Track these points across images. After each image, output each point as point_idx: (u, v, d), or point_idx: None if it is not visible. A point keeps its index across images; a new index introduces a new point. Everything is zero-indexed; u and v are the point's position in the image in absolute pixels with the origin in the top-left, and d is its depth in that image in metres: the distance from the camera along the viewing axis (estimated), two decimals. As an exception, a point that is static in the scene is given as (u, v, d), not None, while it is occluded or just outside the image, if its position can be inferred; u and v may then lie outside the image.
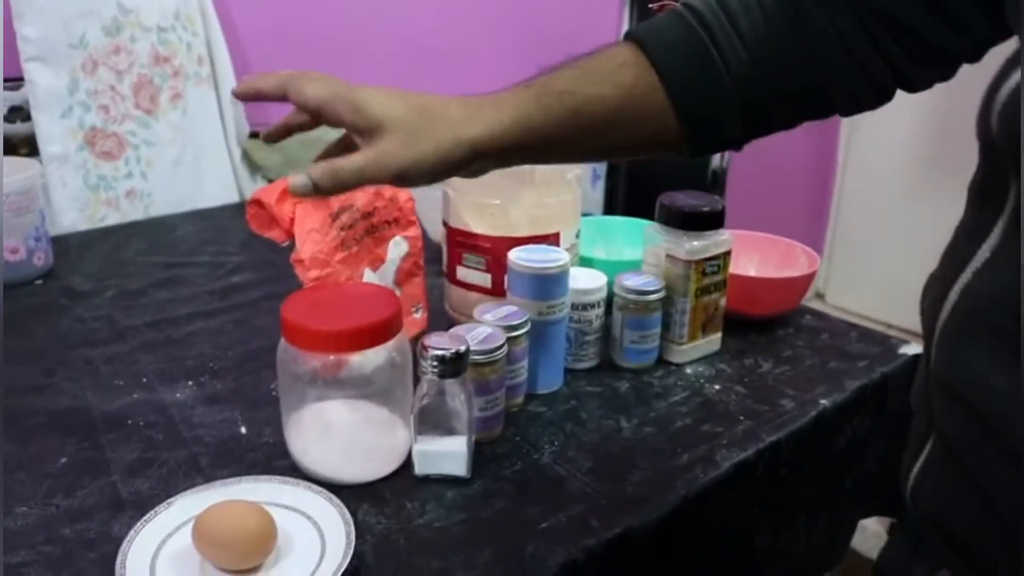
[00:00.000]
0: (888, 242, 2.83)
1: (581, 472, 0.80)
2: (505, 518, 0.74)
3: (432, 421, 0.76)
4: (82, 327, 1.10)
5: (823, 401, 0.94)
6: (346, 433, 0.78)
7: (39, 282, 1.24)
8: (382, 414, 0.78)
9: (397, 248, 0.95)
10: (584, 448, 0.84)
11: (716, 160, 2.15)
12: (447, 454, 0.77)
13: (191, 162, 1.65)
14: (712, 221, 0.98)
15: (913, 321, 1.08)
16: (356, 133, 0.66)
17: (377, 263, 0.92)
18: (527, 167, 0.95)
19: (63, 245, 1.36)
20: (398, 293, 0.97)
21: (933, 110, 2.55)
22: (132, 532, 0.68)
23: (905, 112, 2.54)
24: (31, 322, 1.12)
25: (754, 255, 1.18)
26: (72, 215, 1.51)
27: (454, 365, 0.74)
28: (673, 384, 0.97)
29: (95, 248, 1.39)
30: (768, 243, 1.19)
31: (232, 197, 1.70)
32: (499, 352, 0.81)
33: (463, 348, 0.74)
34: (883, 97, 0.70)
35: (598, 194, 2.16)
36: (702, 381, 0.98)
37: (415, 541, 0.71)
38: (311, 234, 0.84)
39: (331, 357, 0.74)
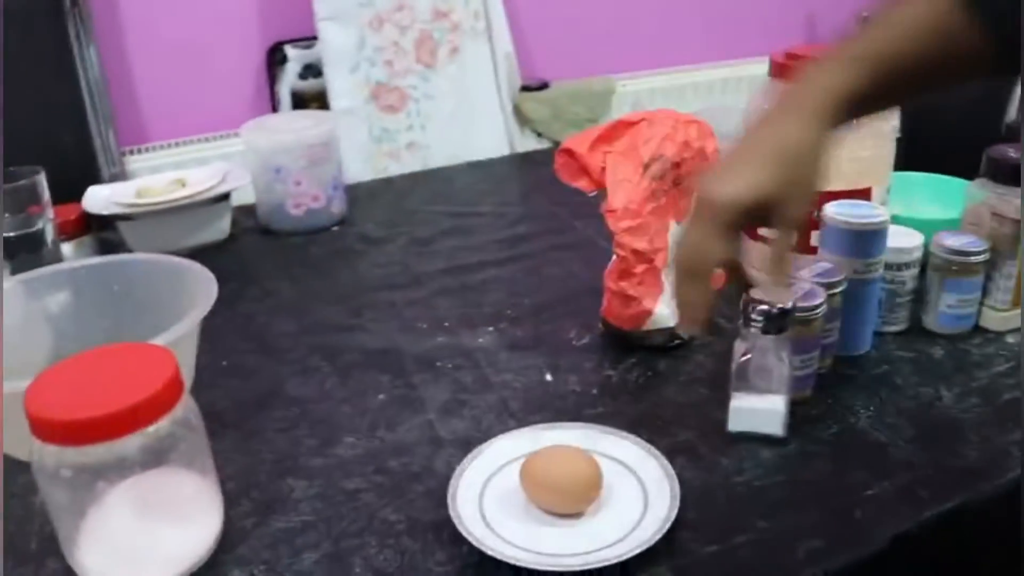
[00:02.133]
0: None
1: (903, 440, 0.76)
2: (827, 481, 0.71)
3: (750, 378, 0.74)
4: (381, 271, 1.15)
5: None
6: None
7: (336, 228, 1.31)
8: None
9: (700, 200, 0.93)
10: (903, 415, 0.79)
11: (1011, 114, 1.98)
12: (763, 412, 0.75)
13: (466, 115, 1.69)
14: (1046, 176, 0.90)
15: None
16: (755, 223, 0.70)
17: (683, 216, 0.90)
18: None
19: (352, 194, 1.42)
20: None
21: None
22: (459, 468, 0.70)
23: None
24: (333, 265, 1.18)
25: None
26: (358, 166, 1.59)
27: (778, 322, 0.71)
28: (994, 353, 0.90)
29: (381, 197, 1.45)
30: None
31: (503, 149, 1.73)
32: (819, 310, 0.77)
33: (789, 304, 0.72)
34: None
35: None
36: (1027, 352, 0.90)
37: (736, 498, 0.69)
38: (622, 183, 0.84)
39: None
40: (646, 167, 0.85)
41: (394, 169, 1.61)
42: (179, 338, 0.74)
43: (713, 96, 2.10)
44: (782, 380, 0.74)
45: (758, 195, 0.65)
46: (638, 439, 0.73)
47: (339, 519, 0.69)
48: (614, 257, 0.87)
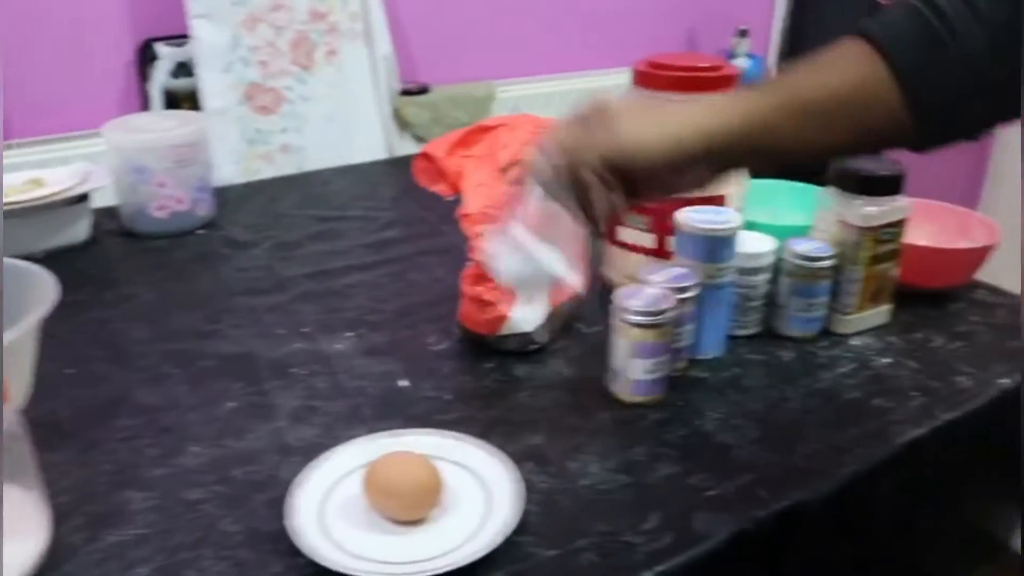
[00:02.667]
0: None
1: (747, 441, 0.77)
2: (671, 484, 0.72)
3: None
4: (244, 276, 1.13)
5: (1003, 380, 0.88)
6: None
7: (201, 231, 1.28)
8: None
9: (559, 206, 0.93)
10: (750, 417, 0.81)
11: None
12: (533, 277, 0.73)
13: (343, 118, 1.67)
14: (890, 186, 0.93)
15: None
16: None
17: (539, 221, 0.91)
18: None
19: (221, 197, 1.39)
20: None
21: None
22: (301, 477, 0.69)
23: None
24: (195, 269, 1.15)
25: (927, 224, 1.11)
26: (230, 168, 1.55)
27: None
28: (839, 356, 0.93)
29: (252, 200, 1.42)
30: (944, 212, 1.12)
31: (381, 153, 1.72)
32: (667, 315, 0.79)
33: None
34: None
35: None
36: (870, 354, 0.93)
37: (579, 502, 0.69)
38: (479, 188, 0.84)
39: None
40: (503, 172, 0.85)
41: (267, 172, 1.58)
42: (11, 344, 0.71)
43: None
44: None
45: (647, 161, 0.65)
46: (486, 444, 0.73)
47: (176, 531, 0.67)
48: (470, 262, 0.87)
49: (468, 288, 0.87)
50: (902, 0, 0.67)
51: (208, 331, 0.97)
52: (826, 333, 0.97)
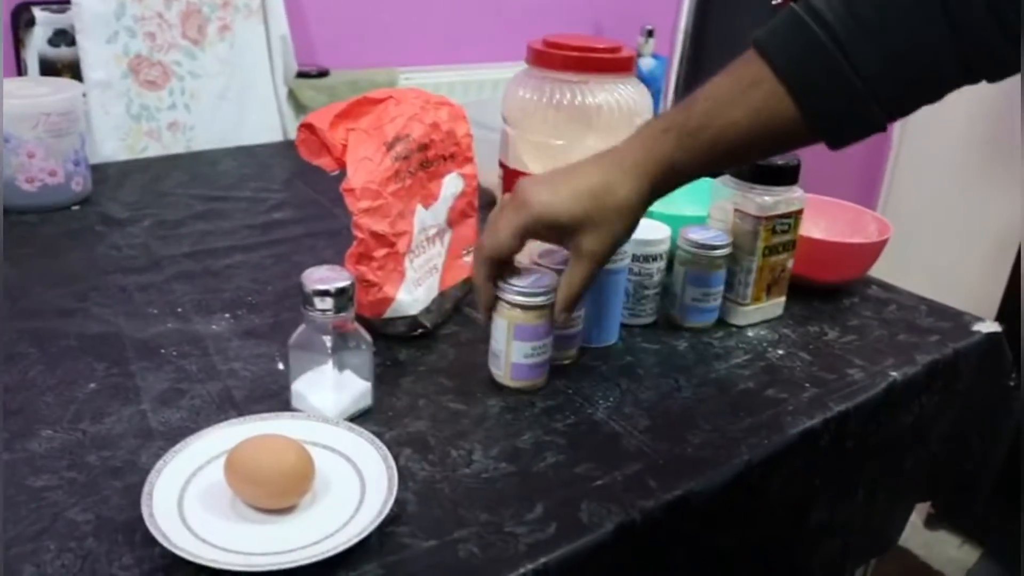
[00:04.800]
0: (941, 227, 2.73)
1: (638, 430, 0.75)
2: (557, 473, 0.69)
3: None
4: (117, 254, 1.06)
5: (893, 373, 0.88)
6: None
7: (76, 208, 1.20)
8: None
9: (452, 185, 0.90)
10: (641, 406, 0.79)
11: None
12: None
13: (236, 97, 1.60)
14: (786, 176, 0.92)
15: (965, 307, 1.03)
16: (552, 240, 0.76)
17: (430, 200, 0.87)
18: (590, 106, 0.89)
19: (102, 173, 1.32)
20: (449, 234, 0.92)
21: (993, 95, 2.44)
22: (160, 462, 0.64)
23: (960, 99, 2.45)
24: (66, 246, 1.08)
25: (820, 219, 1.11)
26: (113, 144, 1.47)
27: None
28: (734, 346, 0.91)
29: (134, 178, 1.35)
30: (836, 208, 1.12)
31: (276, 136, 1.65)
32: (548, 296, 0.76)
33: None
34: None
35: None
36: (765, 345, 0.92)
37: (461, 491, 0.66)
38: (363, 162, 0.79)
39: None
40: (389, 146, 0.81)
41: (154, 150, 1.50)
42: None
43: (499, 94, 2.10)
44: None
45: (567, 219, 0.71)
46: (362, 430, 0.68)
47: (16, 522, 0.61)
48: (354, 241, 0.82)
49: (352, 267, 0.82)
50: (791, 8, 0.67)
51: (72, 309, 0.91)
52: (721, 324, 0.95)
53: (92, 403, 0.75)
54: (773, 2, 1.73)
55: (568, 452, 0.71)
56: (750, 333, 0.94)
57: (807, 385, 0.85)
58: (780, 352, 0.91)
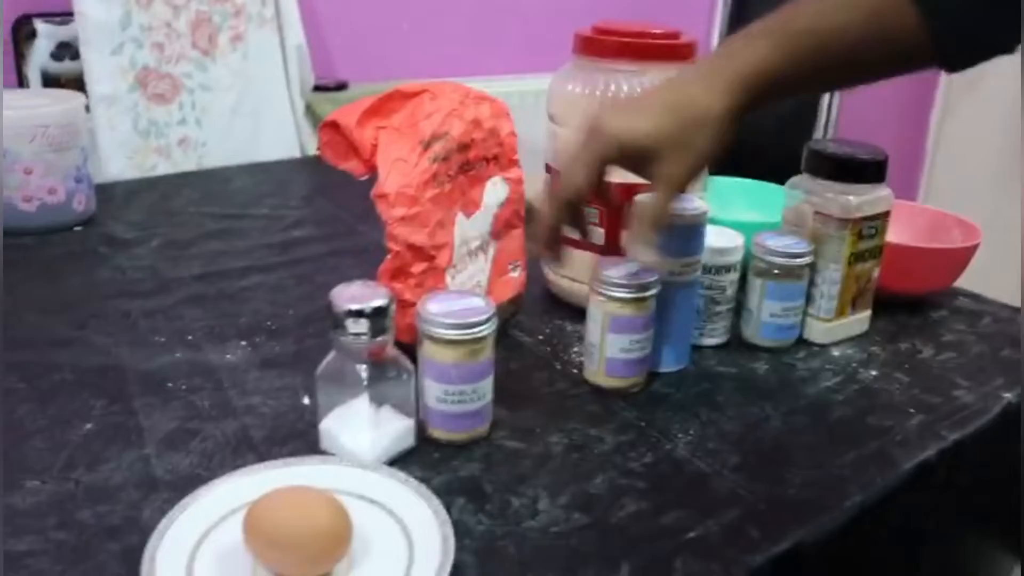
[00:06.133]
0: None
1: (728, 469, 0.64)
2: (641, 524, 0.57)
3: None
4: (121, 277, 0.96)
5: (1006, 395, 0.77)
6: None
7: (78, 228, 1.11)
8: None
9: (495, 192, 0.79)
10: (727, 439, 0.67)
11: (816, 135, 1.96)
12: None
13: (250, 112, 1.51)
14: (872, 172, 0.81)
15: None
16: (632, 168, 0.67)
17: (471, 208, 0.76)
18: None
19: (107, 193, 1.22)
20: (494, 247, 0.81)
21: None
22: (165, 520, 0.53)
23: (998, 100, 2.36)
24: (65, 269, 0.98)
25: (893, 223, 0.99)
26: (120, 162, 1.37)
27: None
28: (820, 368, 0.80)
29: (142, 196, 1.25)
30: (913, 211, 1.01)
31: (293, 152, 1.56)
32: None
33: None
34: None
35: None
36: (854, 365, 0.81)
37: (528, 550, 0.54)
38: (397, 164, 0.69)
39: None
40: (426, 146, 0.70)
41: (164, 167, 1.41)
42: None
43: (525, 107, 2.00)
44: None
45: (647, 140, 0.64)
46: (406, 476, 0.57)
47: (-9, 596, 0.50)
48: (388, 255, 0.72)
49: (385, 285, 0.71)
50: None
51: (68, 338, 0.80)
52: (801, 343, 0.84)
53: (87, 447, 0.64)
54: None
55: (650, 498, 0.60)
56: (835, 352, 0.83)
57: (911, 411, 0.74)
58: (873, 373, 0.80)
